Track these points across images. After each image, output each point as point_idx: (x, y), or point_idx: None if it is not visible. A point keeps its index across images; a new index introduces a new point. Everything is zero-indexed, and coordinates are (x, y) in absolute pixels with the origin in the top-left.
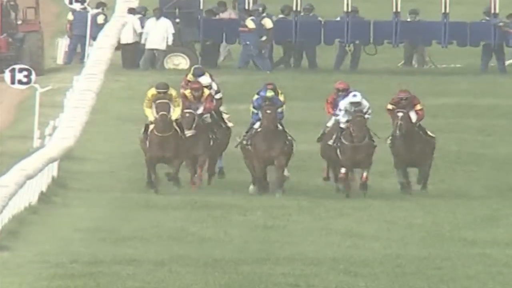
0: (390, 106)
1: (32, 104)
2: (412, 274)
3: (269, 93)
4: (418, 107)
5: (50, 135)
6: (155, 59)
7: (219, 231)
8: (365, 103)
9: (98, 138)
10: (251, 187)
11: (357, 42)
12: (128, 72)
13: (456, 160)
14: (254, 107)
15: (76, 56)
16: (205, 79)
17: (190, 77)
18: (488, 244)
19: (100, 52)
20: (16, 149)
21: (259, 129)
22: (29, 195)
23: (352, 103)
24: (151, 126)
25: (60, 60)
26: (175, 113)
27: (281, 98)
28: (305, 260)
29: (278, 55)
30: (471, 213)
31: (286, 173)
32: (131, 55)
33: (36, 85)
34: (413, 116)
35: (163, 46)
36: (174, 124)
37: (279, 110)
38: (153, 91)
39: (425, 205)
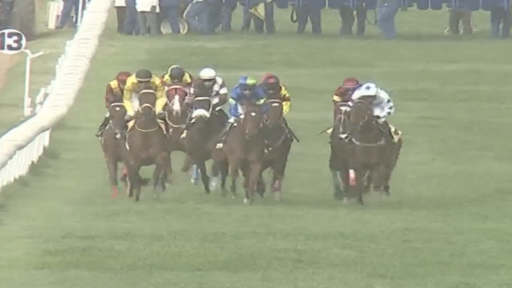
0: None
1: (22, 71)
2: (420, 249)
3: (250, 81)
4: None
5: (41, 103)
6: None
7: (218, 205)
8: (383, 96)
9: (91, 106)
10: (213, 183)
11: (363, 4)
12: (123, 36)
13: (467, 130)
14: (232, 97)
15: (68, 20)
16: (209, 72)
17: (166, 78)
18: (500, 218)
19: (93, 16)
20: (5, 118)
21: (235, 125)
22: (19, 167)
23: (365, 98)
24: (130, 123)
25: (51, 24)
26: (159, 105)
27: (285, 93)
28: (309, 235)
29: (280, 18)
30: (483, 185)
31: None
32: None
33: (27, 51)
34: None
35: (152, 9)
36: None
37: (261, 102)
38: (133, 79)
39: (434, 178)
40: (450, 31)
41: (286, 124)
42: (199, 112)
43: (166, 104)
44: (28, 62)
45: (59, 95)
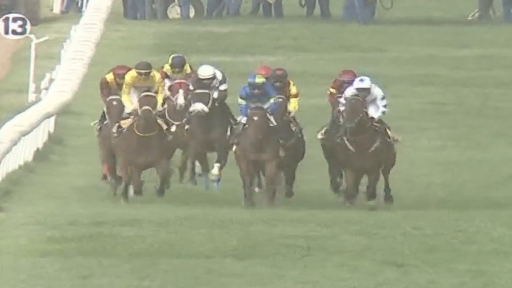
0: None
1: (27, 56)
2: (431, 236)
3: (259, 79)
4: None
5: (46, 88)
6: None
7: (226, 191)
8: (377, 92)
9: (97, 91)
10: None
11: None
12: (129, 21)
13: (478, 115)
14: (241, 97)
15: (73, 5)
16: (207, 70)
17: (167, 68)
18: None
19: (99, 0)
20: (10, 103)
21: (247, 126)
22: (24, 153)
23: (359, 90)
24: (128, 121)
25: (56, 9)
26: (158, 101)
27: (293, 89)
28: (318, 221)
29: (288, 2)
30: (495, 171)
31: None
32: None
33: (32, 36)
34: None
35: None
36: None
37: (271, 101)
38: (132, 73)
39: (445, 163)
40: (480, 15)
41: (297, 125)
42: (197, 106)
43: (165, 99)
44: (33, 47)
45: (64, 80)
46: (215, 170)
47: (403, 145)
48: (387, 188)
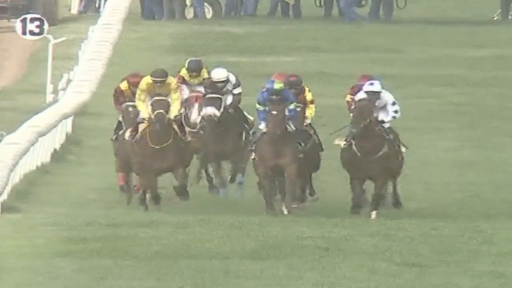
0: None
1: (44, 56)
2: (449, 237)
3: (278, 85)
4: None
5: (64, 89)
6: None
7: (244, 193)
8: (388, 97)
9: None
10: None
11: None
12: (146, 22)
13: (495, 116)
14: (259, 103)
15: (91, 5)
16: (221, 73)
17: (183, 72)
18: None
19: (117, 1)
20: (27, 104)
21: (264, 131)
22: (41, 153)
23: (368, 94)
24: (141, 127)
25: (74, 9)
26: (174, 108)
27: (309, 96)
28: (335, 223)
29: (306, 2)
30: None
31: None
32: (151, 3)
33: (49, 36)
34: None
35: None
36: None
37: (291, 106)
38: (148, 79)
39: (462, 165)
40: (501, 15)
41: (315, 132)
42: (209, 110)
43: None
44: (50, 47)
45: (82, 81)
46: (238, 178)
47: (421, 146)
48: (396, 194)
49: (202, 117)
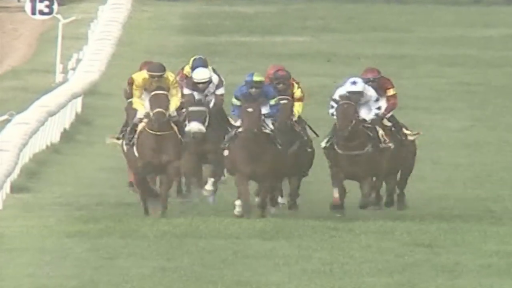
0: None
1: (54, 36)
2: (459, 217)
3: (257, 77)
4: (390, 92)
5: (74, 69)
6: None
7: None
8: (371, 94)
9: (124, 72)
10: (237, 202)
11: None
12: (156, 1)
13: (506, 95)
14: (236, 97)
15: None
16: (203, 73)
17: (187, 70)
18: None
19: None
20: (37, 84)
21: (240, 130)
22: (51, 133)
23: (350, 94)
24: (140, 125)
25: None
26: (172, 105)
27: (297, 92)
28: (345, 202)
29: None
30: None
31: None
32: None
33: (59, 16)
34: (382, 104)
35: None
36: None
37: (272, 102)
38: (143, 74)
39: (472, 145)
40: None
41: (305, 126)
42: (193, 126)
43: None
44: (60, 27)
45: (91, 60)
46: (208, 185)
47: (431, 126)
48: (401, 193)
49: (187, 133)
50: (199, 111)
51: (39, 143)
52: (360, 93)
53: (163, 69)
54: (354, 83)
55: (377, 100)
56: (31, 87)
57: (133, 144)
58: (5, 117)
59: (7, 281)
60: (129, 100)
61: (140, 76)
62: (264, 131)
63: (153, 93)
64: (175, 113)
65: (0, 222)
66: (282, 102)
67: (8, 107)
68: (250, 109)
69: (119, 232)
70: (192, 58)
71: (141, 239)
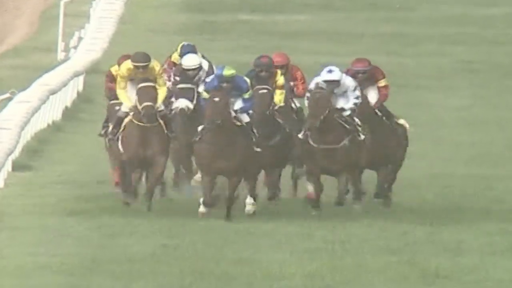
0: None
1: (56, 14)
2: (461, 195)
3: (228, 71)
4: (382, 83)
5: (75, 47)
6: None
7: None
8: (349, 83)
9: (126, 50)
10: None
11: None
12: None
13: (507, 75)
14: (206, 90)
15: None
16: (193, 60)
17: (175, 57)
18: None
19: None
20: (39, 62)
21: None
22: (53, 111)
23: (327, 83)
24: (126, 119)
25: None
26: (160, 96)
27: (280, 80)
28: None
29: None
30: None
31: (249, 200)
32: None
33: None
34: (373, 96)
35: None
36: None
37: (246, 95)
38: (128, 64)
39: (473, 123)
40: None
41: (295, 115)
42: (181, 103)
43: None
44: (61, 5)
45: (93, 39)
46: (197, 176)
47: (432, 105)
48: (388, 187)
49: (172, 110)
50: (187, 88)
51: (40, 122)
52: (337, 82)
53: (148, 59)
54: (330, 71)
55: (355, 89)
56: (33, 65)
57: (118, 138)
58: (7, 95)
59: (9, 259)
60: (112, 101)
61: (125, 66)
62: (236, 123)
63: (140, 85)
64: (162, 107)
65: (2, 201)
66: (260, 92)
67: (10, 85)
68: (216, 99)
69: (120, 210)
70: (180, 45)
71: (142, 217)
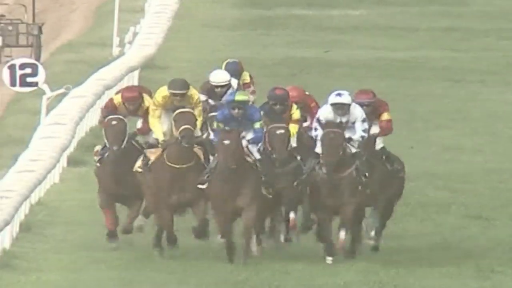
0: None
1: (111, 9)
2: None
3: (240, 96)
4: (385, 116)
5: (130, 42)
6: None
7: None
8: (358, 113)
9: (181, 45)
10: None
11: None
12: None
13: None
14: (218, 120)
15: None
16: (221, 76)
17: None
18: None
19: None
20: (94, 57)
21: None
22: None
23: (336, 106)
24: (153, 155)
25: None
26: (197, 125)
27: (296, 114)
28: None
29: None
30: None
31: (255, 247)
32: None
33: None
34: (375, 130)
35: None
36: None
37: (257, 125)
38: (164, 92)
39: None
40: None
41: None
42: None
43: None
44: (117, 0)
45: (148, 34)
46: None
47: (488, 99)
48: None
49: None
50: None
51: (95, 117)
52: (347, 106)
53: (186, 86)
54: (339, 95)
55: (363, 121)
56: (88, 60)
57: (149, 169)
58: (61, 90)
59: (64, 254)
60: (109, 117)
61: (160, 94)
62: (247, 159)
63: (177, 111)
64: (199, 133)
65: (57, 196)
66: (278, 132)
67: (64, 80)
68: (226, 141)
69: None
70: (225, 62)
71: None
